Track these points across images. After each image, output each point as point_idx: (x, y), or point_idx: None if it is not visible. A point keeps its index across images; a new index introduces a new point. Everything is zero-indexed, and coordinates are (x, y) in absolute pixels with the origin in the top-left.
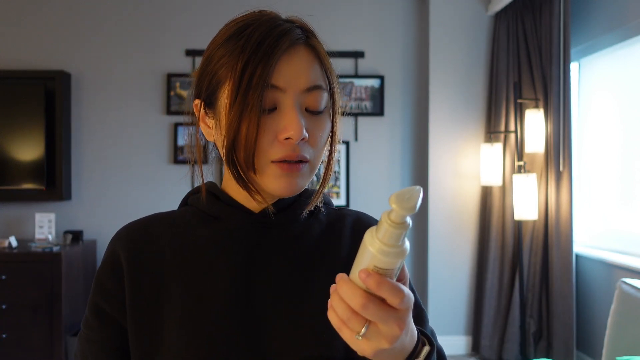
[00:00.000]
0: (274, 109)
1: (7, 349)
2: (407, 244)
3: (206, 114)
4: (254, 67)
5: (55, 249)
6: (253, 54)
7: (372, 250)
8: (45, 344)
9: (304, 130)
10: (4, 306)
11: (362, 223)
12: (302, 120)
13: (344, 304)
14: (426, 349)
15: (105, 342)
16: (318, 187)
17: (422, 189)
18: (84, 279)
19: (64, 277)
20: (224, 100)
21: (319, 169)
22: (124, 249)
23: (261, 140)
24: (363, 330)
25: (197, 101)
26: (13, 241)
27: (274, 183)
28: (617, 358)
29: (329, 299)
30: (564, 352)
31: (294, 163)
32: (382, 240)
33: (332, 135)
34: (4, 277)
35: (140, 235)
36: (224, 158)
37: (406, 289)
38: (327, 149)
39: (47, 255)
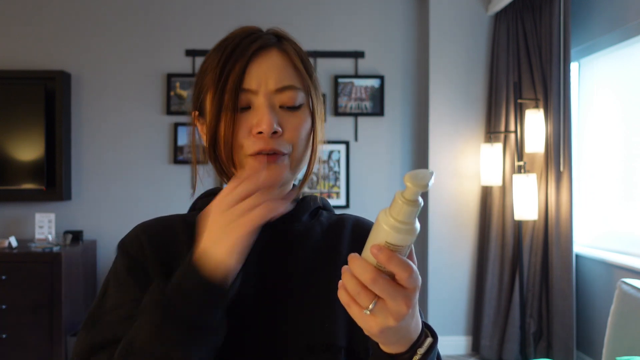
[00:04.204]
0: (248, 107)
1: (7, 349)
2: (418, 224)
3: (200, 122)
4: (228, 72)
5: (55, 249)
6: (227, 60)
7: (384, 226)
8: (45, 344)
9: (275, 125)
10: (4, 306)
11: (362, 225)
12: (273, 116)
13: (354, 279)
14: (429, 340)
15: (138, 293)
16: (300, 182)
17: (434, 172)
18: (84, 279)
19: (64, 277)
20: (208, 105)
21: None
22: (146, 237)
23: (237, 136)
24: (371, 305)
25: (194, 112)
26: (13, 241)
27: None
28: (617, 358)
29: (340, 280)
30: (564, 352)
31: (270, 155)
32: (395, 217)
33: (313, 133)
34: (4, 277)
35: (161, 229)
36: (207, 156)
37: (415, 267)
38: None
39: (47, 255)
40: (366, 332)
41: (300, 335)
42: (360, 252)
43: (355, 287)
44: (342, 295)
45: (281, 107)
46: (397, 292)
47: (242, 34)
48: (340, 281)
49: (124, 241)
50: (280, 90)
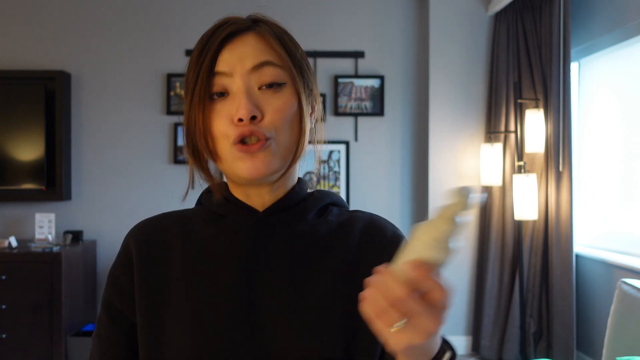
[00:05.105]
0: (225, 94)
1: (7, 349)
2: (457, 243)
3: None
4: (202, 60)
5: (55, 249)
6: (202, 50)
7: (421, 243)
8: (45, 344)
9: (253, 108)
10: (4, 306)
11: (374, 225)
12: (251, 101)
13: (383, 294)
14: (448, 354)
15: (113, 337)
16: (287, 166)
17: (476, 189)
18: (84, 279)
19: (64, 277)
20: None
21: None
22: (135, 245)
23: (218, 126)
24: (399, 322)
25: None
26: (13, 241)
27: (240, 165)
28: (617, 358)
29: (364, 291)
30: (564, 352)
31: (252, 143)
32: (432, 235)
33: (300, 111)
34: (4, 277)
35: (151, 233)
36: (185, 148)
37: (449, 287)
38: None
39: (47, 255)
40: (389, 348)
41: (294, 345)
42: (370, 256)
43: (384, 303)
44: (366, 309)
45: (261, 88)
46: (428, 311)
47: (218, 23)
48: (364, 293)
49: (113, 264)
50: (257, 67)
